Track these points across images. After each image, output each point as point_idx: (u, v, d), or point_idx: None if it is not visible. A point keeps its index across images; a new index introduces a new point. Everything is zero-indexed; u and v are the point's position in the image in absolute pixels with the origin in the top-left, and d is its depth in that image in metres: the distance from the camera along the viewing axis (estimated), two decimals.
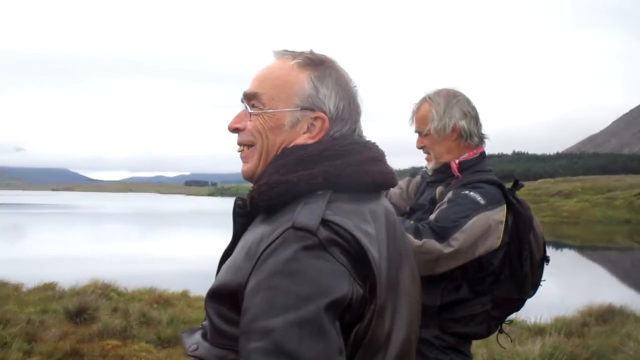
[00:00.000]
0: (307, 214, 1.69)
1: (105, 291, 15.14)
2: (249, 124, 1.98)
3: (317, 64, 1.93)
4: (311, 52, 1.98)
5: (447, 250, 3.25)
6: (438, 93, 3.70)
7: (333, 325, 1.58)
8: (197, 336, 1.90)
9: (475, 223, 3.31)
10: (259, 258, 1.66)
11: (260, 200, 1.82)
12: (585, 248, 51.01)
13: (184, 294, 15.48)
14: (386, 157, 2.00)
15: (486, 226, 3.35)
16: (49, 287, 16.19)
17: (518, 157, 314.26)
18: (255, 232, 1.78)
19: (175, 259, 28.27)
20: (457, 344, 3.51)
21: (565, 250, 45.65)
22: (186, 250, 34.64)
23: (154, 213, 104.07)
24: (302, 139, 1.91)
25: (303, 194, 1.78)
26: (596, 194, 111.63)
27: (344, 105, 1.91)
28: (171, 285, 16.08)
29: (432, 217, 3.43)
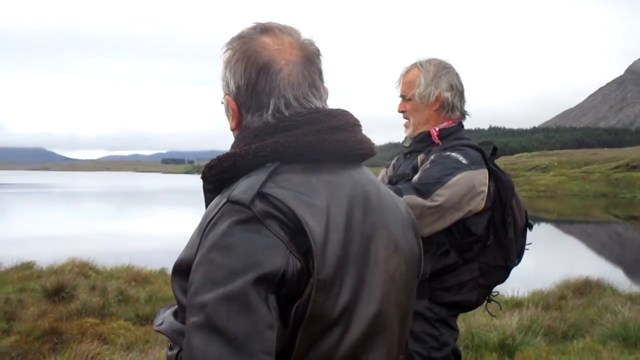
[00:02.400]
0: (244, 187, 1.67)
1: (83, 270, 15.16)
2: None
3: (234, 45, 1.90)
4: (240, 31, 1.93)
5: (431, 204, 3.26)
6: (430, 61, 3.70)
7: (264, 300, 1.56)
8: (169, 312, 1.89)
9: (459, 180, 3.32)
10: (203, 232, 1.65)
11: (209, 175, 1.82)
12: (562, 222, 51.47)
13: (162, 272, 15.44)
14: (358, 126, 1.93)
15: (470, 185, 3.36)
16: (27, 266, 16.18)
17: (495, 131, 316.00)
18: (209, 206, 1.77)
19: (153, 236, 28.24)
20: (447, 316, 3.51)
21: (542, 224, 45.98)
22: (163, 228, 34.61)
23: (130, 191, 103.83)
24: (230, 124, 1.94)
25: (252, 166, 1.75)
26: (573, 168, 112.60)
27: (246, 81, 1.85)
28: (149, 263, 16.11)
29: (414, 178, 3.43)
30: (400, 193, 3.22)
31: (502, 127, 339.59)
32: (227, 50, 1.90)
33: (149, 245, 23.67)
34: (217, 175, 1.80)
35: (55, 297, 11.21)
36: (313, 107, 1.86)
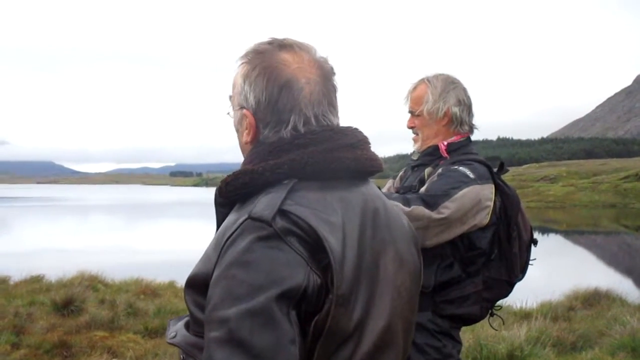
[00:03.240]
0: (265, 204, 1.70)
1: (92, 283, 15.15)
2: None
3: (251, 59, 1.93)
4: (256, 44, 1.96)
5: (437, 216, 3.28)
6: (437, 77, 3.74)
7: (286, 316, 1.59)
8: (180, 324, 1.92)
9: (465, 194, 3.35)
10: (222, 248, 1.68)
11: (226, 190, 1.84)
12: (571, 233, 51.24)
13: (171, 284, 15.50)
14: (368, 143, 1.97)
15: (476, 199, 3.39)
16: (36, 279, 16.20)
17: (503, 142, 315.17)
18: (226, 221, 1.79)
19: (162, 249, 28.24)
20: (449, 329, 3.53)
21: (551, 235, 45.86)
22: (172, 240, 34.63)
23: (139, 204, 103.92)
24: (244, 137, 1.95)
25: (269, 183, 1.78)
26: (581, 178, 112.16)
27: (267, 97, 1.87)
28: (158, 276, 16.11)
29: (422, 189, 3.48)
30: (408, 203, 3.26)
31: (511, 137, 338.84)
32: (243, 63, 1.93)
33: (158, 258, 23.67)
34: (234, 190, 1.82)
35: (64, 311, 11.22)
36: (329, 124, 1.91)
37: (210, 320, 1.61)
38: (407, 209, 3.23)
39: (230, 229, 1.69)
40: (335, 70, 1.98)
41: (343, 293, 1.69)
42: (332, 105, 1.94)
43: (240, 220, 1.68)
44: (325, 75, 1.93)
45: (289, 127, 1.86)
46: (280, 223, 1.64)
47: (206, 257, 1.76)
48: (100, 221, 58.77)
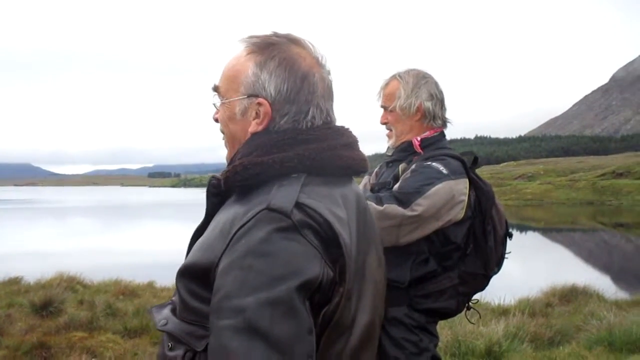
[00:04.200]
0: (282, 196, 1.71)
1: (70, 284, 15.07)
2: (219, 115, 2.04)
3: (263, 49, 1.94)
4: (264, 36, 1.98)
5: (410, 213, 3.29)
6: (408, 72, 3.76)
7: (304, 306, 1.60)
8: (167, 311, 1.92)
9: (438, 190, 3.36)
10: (232, 238, 1.67)
11: (234, 180, 1.84)
12: (549, 230, 51.48)
13: (150, 285, 15.45)
14: (358, 143, 2.02)
15: (449, 195, 3.40)
16: (14, 281, 16.07)
17: (481, 140, 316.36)
18: (229, 212, 1.79)
19: (141, 250, 28.17)
20: (426, 323, 3.54)
21: (529, 233, 46.09)
22: (151, 241, 34.51)
23: (118, 205, 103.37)
24: (253, 126, 1.93)
25: (277, 176, 1.79)
26: (559, 176, 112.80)
27: (289, 87, 1.90)
28: (137, 277, 16.05)
29: (395, 187, 3.48)
30: (380, 201, 3.28)
31: (488, 136, 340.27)
32: (251, 53, 1.94)
33: (137, 259, 23.60)
34: (242, 181, 1.83)
35: (43, 312, 11.15)
36: (329, 119, 1.96)
37: (220, 308, 1.61)
38: (379, 207, 3.25)
39: (242, 219, 1.69)
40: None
41: (350, 288, 1.73)
42: (331, 102, 1.99)
43: (255, 211, 1.69)
44: (327, 71, 1.99)
45: (308, 117, 1.91)
46: (298, 215, 1.67)
47: (207, 246, 1.76)
48: (79, 223, 58.43)
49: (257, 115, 1.92)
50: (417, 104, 3.66)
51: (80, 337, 9.51)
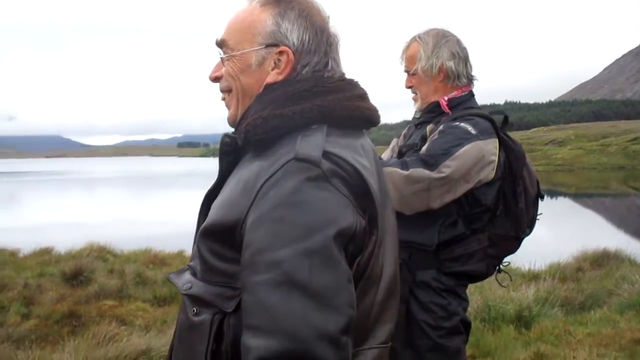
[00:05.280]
0: (309, 145, 1.67)
1: (101, 254, 15.25)
2: (224, 70, 1.97)
3: (279, 2, 1.90)
4: None
5: (438, 175, 3.23)
6: (428, 33, 3.66)
7: (341, 255, 1.58)
8: (188, 275, 1.86)
9: (467, 151, 3.29)
10: (258, 191, 1.63)
11: (255, 133, 1.78)
12: (580, 195, 51.24)
13: (180, 254, 15.44)
14: (369, 96, 1.98)
15: (479, 155, 3.32)
16: (46, 251, 16.27)
17: (511, 106, 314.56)
18: (251, 168, 1.74)
19: (170, 220, 28.29)
20: (455, 286, 3.48)
21: (560, 198, 45.83)
22: (180, 211, 34.73)
23: (147, 176, 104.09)
24: (272, 77, 1.88)
25: (299, 127, 1.75)
26: (590, 141, 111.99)
27: (310, 37, 1.87)
28: (166, 246, 16.11)
29: (422, 149, 3.42)
30: (406, 166, 3.22)
31: (518, 101, 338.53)
32: (265, 5, 1.91)
33: (167, 229, 23.72)
34: (263, 133, 1.77)
35: (73, 281, 11.29)
36: (342, 73, 1.95)
37: (253, 263, 1.57)
38: (405, 172, 3.19)
39: (267, 171, 1.65)
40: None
41: (381, 236, 1.72)
42: (339, 55, 1.98)
43: (282, 162, 1.65)
44: (336, 30, 1.98)
45: (328, 68, 1.90)
46: (327, 164, 1.63)
47: (230, 203, 1.71)
48: (109, 193, 58.90)
49: (277, 65, 1.88)
50: (438, 65, 3.57)
51: (110, 306, 9.62)
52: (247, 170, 1.74)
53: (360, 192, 1.67)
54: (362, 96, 1.91)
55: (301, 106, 1.77)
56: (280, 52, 1.87)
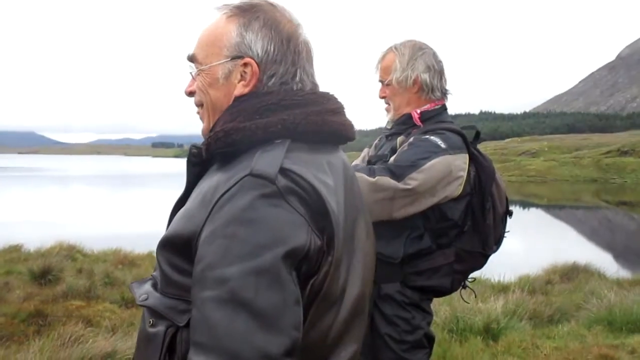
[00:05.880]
0: (266, 161, 1.65)
1: (70, 253, 15.13)
2: (196, 85, 1.96)
3: (245, 10, 1.88)
4: (243, 0, 1.92)
5: (403, 186, 3.21)
6: (404, 44, 3.66)
7: (290, 275, 1.55)
8: (147, 286, 1.86)
9: (435, 165, 3.27)
10: (214, 205, 1.61)
11: (216, 147, 1.77)
12: (552, 207, 51.51)
13: (149, 255, 15.30)
14: (344, 109, 1.95)
15: (447, 170, 3.31)
16: (14, 249, 16.15)
17: (485, 116, 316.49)
18: (211, 180, 1.72)
19: (142, 221, 28.18)
20: (419, 300, 3.47)
21: (532, 209, 46.08)
22: (152, 212, 34.62)
23: (120, 175, 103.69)
24: (239, 89, 1.86)
25: (261, 142, 1.73)
26: (563, 153, 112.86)
27: (275, 47, 1.84)
28: (136, 247, 16.01)
29: (391, 160, 3.40)
30: (373, 173, 3.21)
31: (493, 111, 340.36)
32: (232, 16, 1.88)
33: (137, 229, 23.63)
34: (224, 147, 1.76)
35: (41, 280, 11.20)
36: (314, 84, 1.91)
37: (203, 279, 1.55)
38: (371, 179, 3.17)
39: (224, 186, 1.63)
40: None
41: (338, 257, 1.68)
42: (312, 65, 1.94)
43: (238, 177, 1.62)
44: (307, 37, 1.94)
45: (297, 79, 1.86)
46: (282, 181, 1.61)
47: (188, 216, 1.69)
48: (81, 192, 58.55)
49: (243, 77, 1.85)
50: (413, 77, 3.57)
51: (77, 306, 9.55)
52: (208, 183, 1.73)
53: (317, 210, 1.64)
54: (335, 110, 1.88)
55: (266, 120, 1.75)
56: (245, 64, 1.84)
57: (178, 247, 1.70)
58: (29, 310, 9.07)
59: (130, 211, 35.62)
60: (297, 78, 1.87)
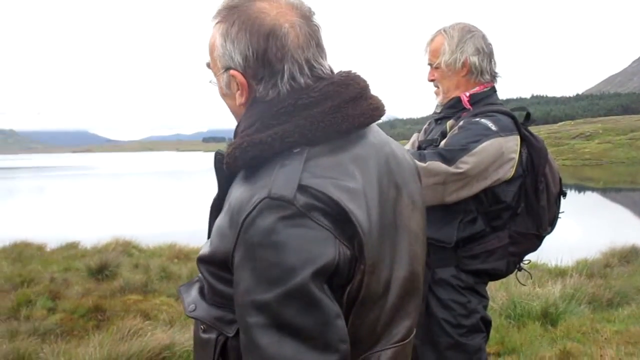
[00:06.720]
0: (283, 180, 1.62)
1: (126, 248, 15.36)
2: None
3: (226, 16, 1.82)
4: (226, 0, 1.85)
5: (455, 170, 3.20)
6: (454, 27, 3.62)
7: (323, 292, 1.55)
8: (195, 292, 1.87)
9: (486, 147, 3.25)
10: (240, 228, 1.61)
11: (235, 165, 1.76)
12: (608, 190, 50.78)
13: None
14: (368, 88, 1.88)
15: (498, 152, 3.29)
16: (72, 246, 16.45)
17: (537, 100, 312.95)
18: (238, 194, 1.70)
19: (196, 215, 28.44)
20: (474, 284, 3.46)
21: (588, 193, 45.49)
22: (205, 206, 34.83)
23: (173, 171, 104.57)
24: (237, 99, 1.84)
25: (278, 152, 1.70)
26: (618, 134, 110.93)
27: (254, 50, 1.76)
28: (191, 241, 16.13)
29: (441, 144, 3.39)
30: (424, 159, 3.19)
31: (545, 95, 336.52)
32: (218, 23, 1.83)
33: (192, 224, 23.82)
34: (243, 166, 1.74)
35: (99, 276, 11.38)
36: (323, 70, 1.82)
37: (244, 304, 1.57)
38: (422, 164, 3.15)
39: (246, 207, 1.61)
40: (314, 10, 1.87)
41: (373, 261, 1.66)
42: (320, 47, 1.83)
43: (257, 199, 1.60)
44: (306, 15, 1.82)
45: (285, 77, 1.77)
46: (302, 200, 1.58)
47: (222, 234, 1.69)
48: (135, 188, 59.19)
49: (238, 87, 1.82)
50: (462, 59, 3.54)
51: (134, 301, 9.67)
52: (235, 196, 1.71)
53: (342, 221, 1.61)
54: (356, 97, 1.81)
55: (283, 127, 1.71)
56: (232, 75, 1.81)
57: (216, 263, 1.71)
58: (87, 305, 9.21)
59: (183, 206, 35.91)
60: (286, 76, 1.78)
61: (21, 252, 15.15)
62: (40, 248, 16.38)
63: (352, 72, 1.87)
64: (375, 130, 1.91)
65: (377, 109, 1.86)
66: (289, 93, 1.76)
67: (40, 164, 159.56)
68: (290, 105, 1.74)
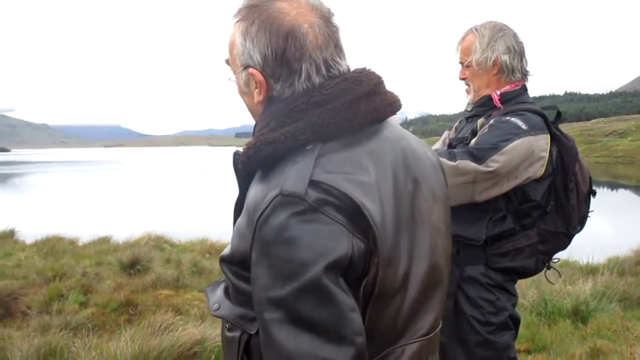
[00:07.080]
0: (294, 177, 1.65)
1: (158, 243, 15.42)
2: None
3: (246, 14, 1.83)
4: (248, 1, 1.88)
5: (485, 169, 3.21)
6: (485, 25, 3.64)
7: (338, 286, 1.57)
8: (220, 292, 1.92)
9: (516, 146, 3.26)
10: (255, 226, 1.64)
11: (250, 165, 1.79)
12: None
13: None
14: (384, 84, 1.89)
15: (529, 151, 3.29)
16: (104, 240, 16.57)
17: (570, 97, 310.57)
18: (254, 193, 1.73)
19: (227, 211, 28.51)
20: (503, 282, 3.48)
21: (620, 190, 45.12)
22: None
23: (205, 166, 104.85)
24: (256, 97, 1.87)
25: (291, 150, 1.73)
26: None
27: (273, 49, 1.78)
28: (223, 236, 16.18)
29: (471, 142, 3.40)
30: (453, 157, 3.21)
31: (578, 92, 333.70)
32: (238, 22, 1.85)
33: (224, 219, 23.87)
34: (257, 165, 1.77)
35: (130, 270, 11.41)
36: (340, 69, 1.83)
37: (262, 301, 1.60)
38: (452, 163, 3.17)
39: (260, 205, 1.64)
40: (333, 11, 1.88)
41: (387, 254, 1.67)
42: (338, 47, 1.85)
43: (270, 197, 1.63)
44: (325, 16, 1.84)
45: (302, 77, 1.79)
46: (313, 195, 1.60)
47: (240, 234, 1.73)
48: (167, 183, 59.42)
49: (256, 85, 1.85)
50: (493, 58, 3.55)
51: (166, 295, 9.71)
52: (252, 195, 1.74)
53: (355, 214, 1.62)
54: (369, 93, 1.82)
55: (296, 125, 1.74)
56: (251, 74, 1.83)
57: (237, 262, 1.75)
58: (119, 300, 9.25)
59: (216, 201, 36.05)
60: (303, 75, 1.80)
61: (53, 247, 15.29)
62: (72, 242, 16.52)
63: (366, 68, 1.89)
64: (391, 125, 1.92)
65: (391, 104, 1.87)
66: (304, 92, 1.78)
67: (72, 158, 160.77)
68: (303, 103, 1.76)
